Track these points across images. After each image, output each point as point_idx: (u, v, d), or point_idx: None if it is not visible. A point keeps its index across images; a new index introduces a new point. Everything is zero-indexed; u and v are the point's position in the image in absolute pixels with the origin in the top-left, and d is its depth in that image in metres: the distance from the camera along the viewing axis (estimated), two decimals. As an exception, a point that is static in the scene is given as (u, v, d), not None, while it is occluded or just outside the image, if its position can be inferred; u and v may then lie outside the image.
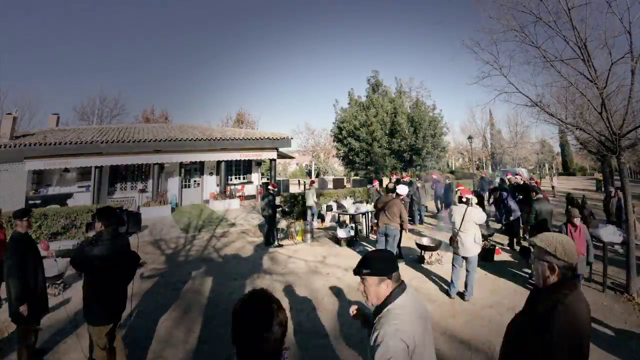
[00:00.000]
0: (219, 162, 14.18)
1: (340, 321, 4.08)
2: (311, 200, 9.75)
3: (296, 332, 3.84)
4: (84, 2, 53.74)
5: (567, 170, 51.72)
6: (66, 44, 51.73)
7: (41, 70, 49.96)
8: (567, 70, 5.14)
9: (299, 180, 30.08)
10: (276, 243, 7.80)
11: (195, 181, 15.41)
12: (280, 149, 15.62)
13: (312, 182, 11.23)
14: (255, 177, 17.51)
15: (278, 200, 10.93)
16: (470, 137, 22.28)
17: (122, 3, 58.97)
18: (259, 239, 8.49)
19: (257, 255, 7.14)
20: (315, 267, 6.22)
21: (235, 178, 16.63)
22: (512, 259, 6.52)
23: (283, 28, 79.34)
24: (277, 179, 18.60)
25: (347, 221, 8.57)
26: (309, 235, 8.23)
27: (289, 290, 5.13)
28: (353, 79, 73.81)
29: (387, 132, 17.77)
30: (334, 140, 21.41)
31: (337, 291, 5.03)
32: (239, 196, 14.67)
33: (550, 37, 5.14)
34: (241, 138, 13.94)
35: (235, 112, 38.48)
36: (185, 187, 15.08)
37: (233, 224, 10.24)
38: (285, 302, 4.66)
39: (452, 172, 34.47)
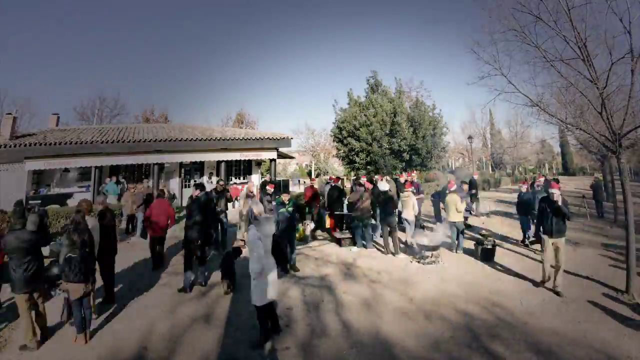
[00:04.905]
0: (219, 162, 14.15)
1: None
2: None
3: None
4: (85, 2, 53.83)
5: (567, 170, 51.60)
6: (66, 44, 51.84)
7: (41, 70, 50.05)
8: (567, 70, 5.15)
9: (299, 180, 30.01)
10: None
11: (195, 181, 15.38)
12: (280, 149, 15.58)
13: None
14: (256, 178, 17.47)
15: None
16: (470, 137, 22.32)
17: (122, 3, 59.07)
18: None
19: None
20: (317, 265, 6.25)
21: (236, 178, 16.61)
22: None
23: (283, 27, 79.41)
24: (278, 179, 18.56)
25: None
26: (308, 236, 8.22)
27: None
28: (353, 79, 73.71)
29: (387, 132, 17.75)
30: (334, 141, 21.38)
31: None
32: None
33: (550, 37, 5.15)
34: (241, 138, 13.92)
35: (235, 112, 38.30)
36: (186, 187, 15.06)
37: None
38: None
39: (452, 172, 34.38)
